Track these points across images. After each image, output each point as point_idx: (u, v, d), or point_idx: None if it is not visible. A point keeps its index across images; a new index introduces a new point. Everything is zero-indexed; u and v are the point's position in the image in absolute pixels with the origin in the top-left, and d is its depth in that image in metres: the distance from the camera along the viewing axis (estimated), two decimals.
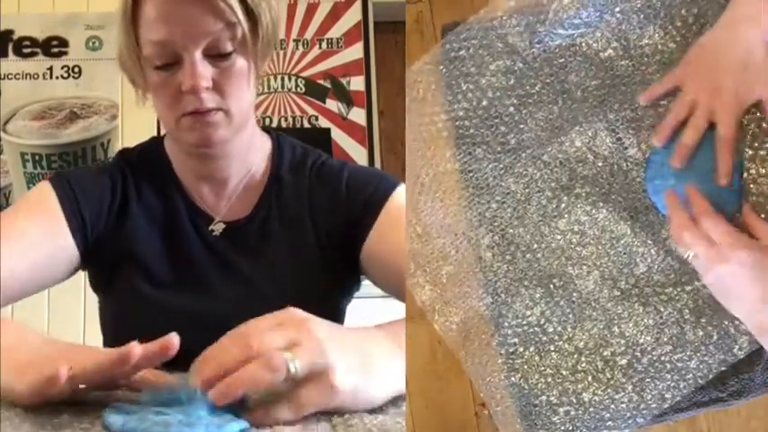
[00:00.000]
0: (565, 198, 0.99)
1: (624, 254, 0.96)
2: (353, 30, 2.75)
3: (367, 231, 1.03)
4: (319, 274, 1.06)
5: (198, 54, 0.94)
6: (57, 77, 2.64)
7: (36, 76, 2.63)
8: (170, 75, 0.95)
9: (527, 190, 1.00)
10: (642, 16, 0.98)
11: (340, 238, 1.06)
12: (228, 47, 0.95)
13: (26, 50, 2.64)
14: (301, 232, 1.07)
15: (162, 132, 2.45)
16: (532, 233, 1.00)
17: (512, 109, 1.02)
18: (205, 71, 0.94)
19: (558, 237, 0.99)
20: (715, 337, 0.92)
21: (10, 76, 2.62)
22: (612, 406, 0.96)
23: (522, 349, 1.00)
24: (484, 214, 1.02)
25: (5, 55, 2.63)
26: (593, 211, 0.98)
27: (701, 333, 0.93)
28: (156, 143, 1.13)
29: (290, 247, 1.06)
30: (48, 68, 2.64)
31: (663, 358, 0.94)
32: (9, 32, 2.64)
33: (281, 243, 1.06)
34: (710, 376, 0.93)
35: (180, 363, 0.85)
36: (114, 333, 1.06)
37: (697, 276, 0.92)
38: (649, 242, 0.96)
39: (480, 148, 1.02)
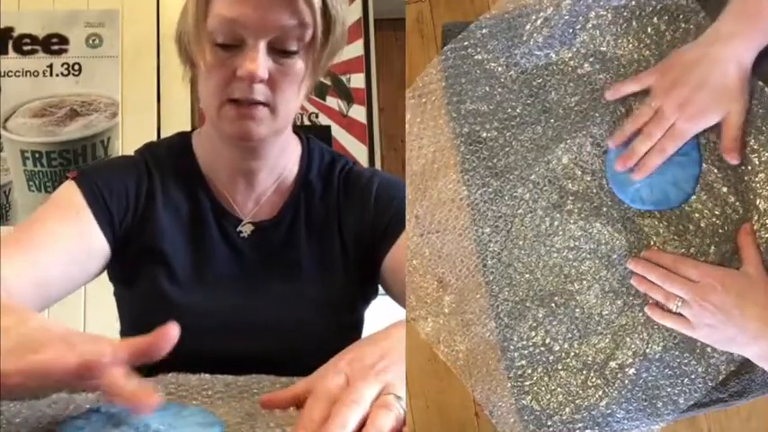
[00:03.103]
0: (557, 216, 0.99)
1: (621, 265, 0.97)
2: (354, 27, 2.75)
3: (390, 245, 1.04)
4: (342, 281, 1.06)
5: (263, 43, 0.93)
6: (57, 75, 2.63)
7: (36, 74, 2.62)
8: (228, 56, 0.94)
9: (519, 211, 1.01)
10: (615, 29, 0.99)
11: (364, 249, 1.07)
12: (294, 46, 0.94)
13: (26, 48, 2.64)
14: (327, 238, 1.07)
15: (163, 133, 2.45)
16: (529, 254, 1.00)
17: (495, 133, 1.02)
18: (265, 63, 0.93)
19: (555, 255, 0.99)
20: None
21: (10, 74, 2.62)
22: (627, 417, 0.96)
23: (530, 371, 1.00)
24: (479, 240, 1.02)
25: (6, 52, 2.63)
26: (587, 226, 0.98)
27: None
28: (183, 139, 1.12)
29: (315, 253, 1.06)
30: (48, 66, 2.63)
31: (672, 364, 0.95)
32: (9, 30, 2.63)
33: (306, 247, 1.06)
34: (720, 378, 0.93)
35: (197, 364, 0.86)
36: (132, 327, 1.06)
37: None
38: (645, 250, 0.96)
39: (468, 174, 1.03)
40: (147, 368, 0.88)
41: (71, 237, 0.97)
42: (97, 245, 1.00)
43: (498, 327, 1.01)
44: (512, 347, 1.00)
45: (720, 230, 0.94)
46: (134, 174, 1.05)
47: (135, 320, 1.05)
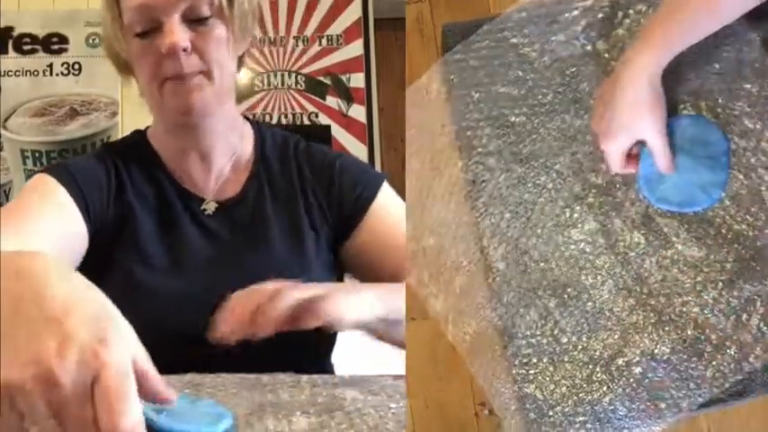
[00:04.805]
0: (578, 208, 0.99)
1: (638, 263, 0.96)
2: (354, 27, 2.75)
3: (352, 229, 1.08)
4: (313, 256, 1.08)
5: (176, 17, 0.98)
6: (57, 74, 2.64)
7: (36, 73, 2.63)
8: (150, 41, 0.99)
9: (540, 200, 1.00)
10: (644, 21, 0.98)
11: (334, 223, 1.10)
12: (206, 11, 0.99)
13: (26, 47, 2.65)
14: (293, 211, 1.09)
15: None
16: (546, 243, 1.00)
17: (523, 118, 1.02)
18: (183, 33, 0.98)
19: (572, 246, 0.99)
20: (732, 349, 0.91)
21: (10, 73, 2.62)
22: (629, 415, 0.95)
23: (535, 360, 0.99)
24: (497, 224, 1.02)
25: (5, 52, 2.63)
26: (606, 221, 0.98)
27: (716, 343, 0.92)
28: (139, 134, 1.15)
29: (283, 225, 1.08)
30: (48, 65, 2.64)
31: (678, 367, 0.94)
32: (9, 29, 2.64)
33: (273, 220, 1.08)
34: (726, 385, 0.92)
35: (177, 345, 0.87)
36: None
37: (713, 287, 0.92)
38: (663, 251, 0.95)
39: (493, 158, 1.02)
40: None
41: (55, 219, 0.99)
42: (79, 230, 1.01)
43: (508, 313, 1.01)
44: (520, 335, 1.00)
45: (741, 237, 0.92)
46: (102, 165, 1.08)
47: None
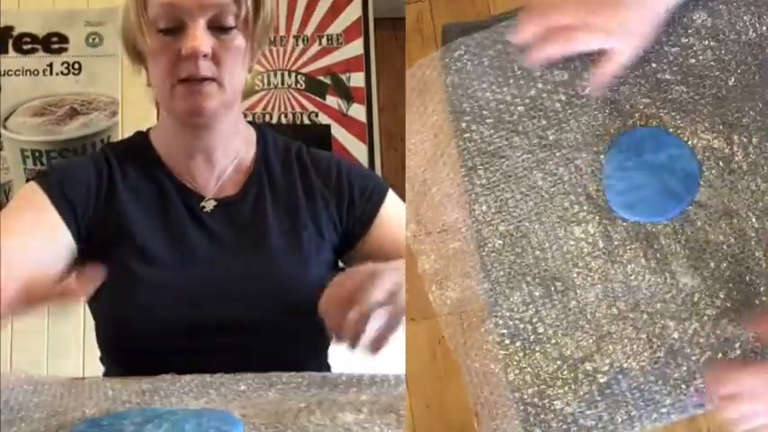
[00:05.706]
0: (587, 207, 0.98)
1: (631, 276, 0.95)
2: (354, 26, 2.75)
3: (365, 229, 1.12)
4: (311, 255, 1.09)
5: (202, 22, 0.99)
6: (57, 74, 2.64)
7: (36, 73, 2.63)
8: (172, 40, 1.00)
9: (553, 189, 1.00)
10: (706, 42, 0.96)
11: (338, 232, 1.13)
12: (231, 22, 1.01)
13: (26, 47, 2.64)
14: (294, 213, 1.11)
15: None
16: (547, 232, 0.99)
17: (558, 105, 1.01)
18: (206, 39, 1.00)
19: (572, 242, 0.98)
20: (697, 381, 0.92)
21: (10, 73, 2.62)
22: (581, 420, 0.96)
23: (508, 342, 1.00)
24: (506, 202, 1.01)
25: (5, 51, 2.63)
26: (611, 227, 0.97)
27: (684, 374, 0.92)
28: (140, 135, 1.17)
29: (283, 226, 1.10)
30: (48, 65, 2.64)
31: (642, 387, 0.94)
32: (9, 29, 2.64)
33: (273, 220, 1.10)
34: (684, 416, 0.92)
35: (177, 338, 0.87)
36: (111, 315, 1.07)
37: (696, 319, 0.93)
38: (658, 270, 0.95)
39: (519, 136, 1.01)
40: (141, 368, 0.90)
41: (33, 232, 1.00)
42: (60, 237, 1.02)
43: (493, 290, 1.01)
44: (498, 314, 1.00)
45: (738, 278, 0.92)
46: (93, 164, 1.09)
47: (111, 306, 1.05)
